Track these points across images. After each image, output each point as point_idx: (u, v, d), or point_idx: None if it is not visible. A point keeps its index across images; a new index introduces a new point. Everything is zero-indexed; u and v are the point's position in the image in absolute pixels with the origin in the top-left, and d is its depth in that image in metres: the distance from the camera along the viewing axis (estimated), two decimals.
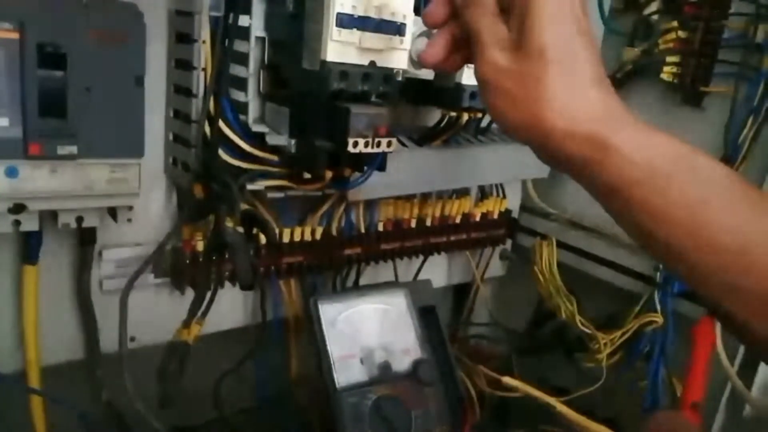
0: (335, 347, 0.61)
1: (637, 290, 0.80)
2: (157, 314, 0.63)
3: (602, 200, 0.35)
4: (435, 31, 0.40)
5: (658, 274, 0.76)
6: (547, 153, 0.35)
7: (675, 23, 0.76)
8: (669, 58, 0.77)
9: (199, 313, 0.54)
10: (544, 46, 0.33)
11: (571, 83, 0.34)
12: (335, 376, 0.60)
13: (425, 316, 0.68)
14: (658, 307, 0.75)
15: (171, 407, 0.56)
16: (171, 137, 0.59)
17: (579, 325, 0.76)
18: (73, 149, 0.46)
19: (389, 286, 0.70)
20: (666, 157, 0.33)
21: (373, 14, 0.50)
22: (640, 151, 0.33)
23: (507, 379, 0.69)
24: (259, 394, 0.74)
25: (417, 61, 0.60)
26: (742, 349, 0.72)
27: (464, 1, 0.37)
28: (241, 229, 0.54)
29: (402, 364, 0.64)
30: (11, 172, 0.45)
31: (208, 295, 0.55)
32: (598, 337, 0.75)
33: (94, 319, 0.59)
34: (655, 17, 0.79)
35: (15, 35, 0.42)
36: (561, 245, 0.85)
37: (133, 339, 0.60)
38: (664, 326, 0.74)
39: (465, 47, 0.38)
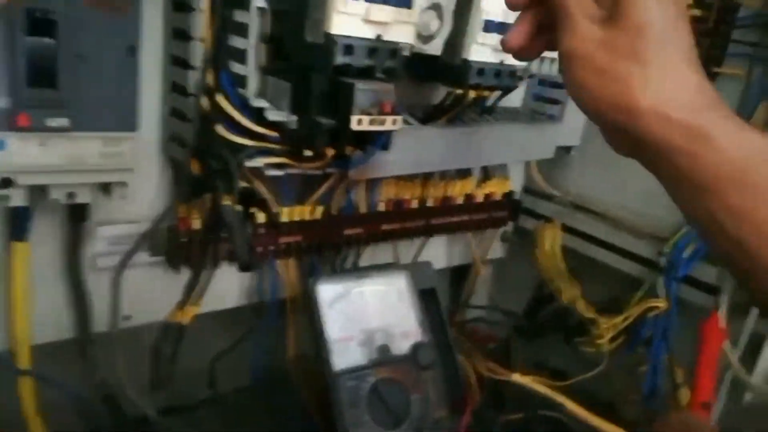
0: (333, 329, 0.60)
1: (640, 275, 0.79)
2: (151, 293, 0.61)
3: (682, 193, 0.33)
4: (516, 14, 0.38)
5: (663, 259, 0.75)
6: (629, 137, 0.33)
7: (690, 1, 0.74)
8: None
9: (194, 295, 0.53)
10: (644, 23, 0.32)
11: (671, 63, 0.32)
12: (333, 358, 0.59)
13: (425, 298, 0.67)
14: (662, 293, 0.74)
15: (164, 389, 0.54)
16: (167, 111, 0.57)
17: (581, 310, 0.75)
18: (64, 121, 0.44)
19: (389, 267, 0.69)
20: (762, 156, 0.30)
21: None
22: (735, 146, 0.30)
23: (516, 377, 0.69)
24: (254, 375, 0.73)
25: (425, 36, 0.58)
26: (745, 337, 0.71)
27: None
28: (239, 208, 0.52)
29: (401, 347, 0.63)
30: None
31: (204, 275, 0.53)
32: (600, 322, 0.74)
33: (87, 297, 0.58)
34: None
35: (3, 0, 0.40)
36: (564, 228, 0.84)
37: (127, 318, 0.59)
38: (667, 312, 0.73)
39: (547, 32, 0.37)
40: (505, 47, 0.38)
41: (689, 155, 0.31)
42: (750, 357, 0.72)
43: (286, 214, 0.65)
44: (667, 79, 0.31)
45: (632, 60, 0.32)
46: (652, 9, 0.32)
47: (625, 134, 0.33)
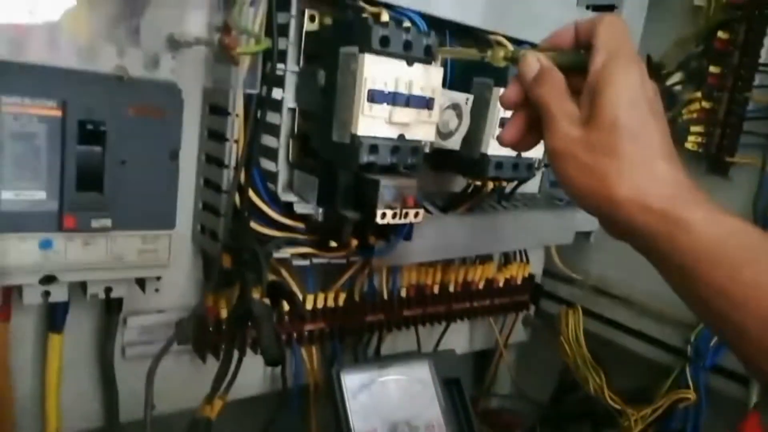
0: (358, 421, 0.60)
1: (668, 362, 0.77)
2: (177, 381, 0.62)
3: (668, 276, 0.35)
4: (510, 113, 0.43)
5: (689, 347, 0.74)
6: (615, 224, 0.36)
7: (698, 94, 0.77)
8: (693, 128, 0.78)
9: (223, 387, 0.53)
10: (616, 120, 0.35)
11: (643, 156, 0.35)
12: None
13: (449, 387, 0.66)
14: (690, 382, 0.72)
15: None
16: (200, 205, 0.60)
17: (608, 400, 0.73)
18: (107, 222, 0.46)
19: (413, 356, 0.69)
20: (738, 240, 0.33)
21: (403, 90, 0.51)
22: (712, 232, 0.33)
23: None
24: None
25: (445, 133, 0.61)
26: None
27: (536, 81, 0.39)
28: (267, 300, 0.54)
29: None
30: (45, 245, 0.45)
31: (232, 367, 0.54)
32: (628, 413, 0.72)
33: (116, 387, 0.58)
34: (678, 88, 0.79)
35: (58, 113, 0.44)
36: (586, 312, 0.83)
37: (153, 407, 0.59)
38: (696, 403, 0.71)
39: (537, 129, 0.40)
40: (500, 141, 0.43)
41: (668, 239, 0.34)
42: None
43: (310, 301, 0.66)
44: (640, 171, 0.34)
45: (608, 156, 0.35)
46: (621, 108, 0.35)
47: (610, 222, 0.36)
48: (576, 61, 0.39)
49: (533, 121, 0.41)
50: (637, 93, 0.35)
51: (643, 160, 0.34)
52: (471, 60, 0.63)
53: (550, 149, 0.38)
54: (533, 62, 0.40)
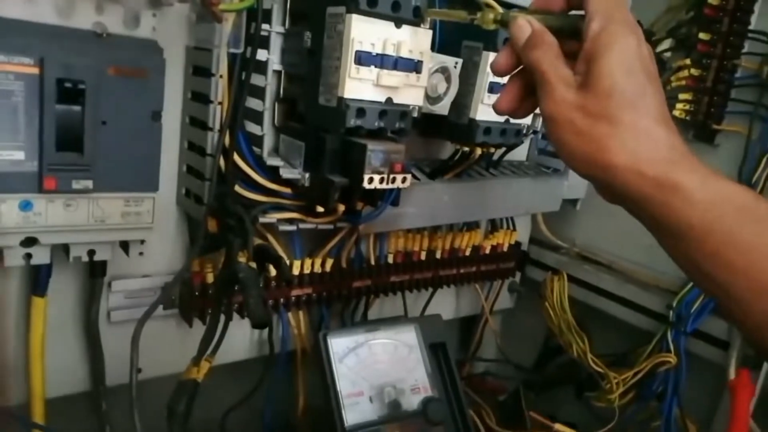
0: (344, 384, 0.60)
1: (649, 328, 0.79)
2: (163, 346, 0.62)
3: (662, 239, 0.36)
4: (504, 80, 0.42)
5: (671, 312, 0.75)
6: (610, 188, 0.36)
7: (687, 61, 0.76)
8: (681, 95, 0.77)
9: (209, 350, 0.53)
10: (612, 88, 0.34)
11: (640, 123, 0.34)
12: (344, 414, 0.59)
13: (435, 352, 0.67)
14: (671, 347, 0.74)
15: None
16: (184, 169, 0.59)
17: (591, 363, 0.75)
18: (89, 183, 0.45)
19: (399, 321, 0.69)
20: (732, 204, 0.33)
21: (391, 52, 0.50)
22: (706, 196, 0.33)
23: (558, 427, 0.68)
24: (266, 428, 0.72)
25: (433, 98, 0.60)
26: (756, 391, 0.70)
27: (529, 45, 0.38)
28: (253, 264, 0.54)
29: (412, 402, 0.63)
30: (25, 206, 0.44)
31: (219, 330, 0.54)
32: (610, 376, 0.74)
33: (101, 351, 0.58)
34: (667, 54, 0.79)
35: (35, 70, 0.42)
36: (571, 279, 0.84)
37: (139, 371, 0.59)
38: (677, 366, 0.73)
39: (533, 95, 0.39)
40: (496, 109, 0.42)
41: (663, 205, 0.34)
42: (762, 411, 0.71)
43: (297, 267, 0.66)
44: (637, 138, 0.34)
45: (605, 122, 0.35)
46: (619, 75, 0.35)
47: (606, 186, 0.36)
48: (568, 24, 0.39)
49: (528, 87, 0.40)
50: (635, 59, 0.35)
51: (640, 127, 0.34)
52: (460, 23, 0.62)
53: (546, 114, 0.37)
54: (525, 25, 0.39)
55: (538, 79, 0.37)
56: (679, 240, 0.34)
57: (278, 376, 0.70)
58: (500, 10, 0.41)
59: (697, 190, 0.33)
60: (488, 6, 0.42)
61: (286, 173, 0.56)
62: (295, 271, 0.66)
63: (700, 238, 0.33)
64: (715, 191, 0.33)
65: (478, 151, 0.66)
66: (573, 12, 0.39)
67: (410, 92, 0.53)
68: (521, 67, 0.40)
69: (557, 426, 0.68)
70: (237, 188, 0.55)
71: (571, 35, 0.38)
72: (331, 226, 0.65)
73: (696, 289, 0.73)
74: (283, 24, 0.54)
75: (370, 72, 0.49)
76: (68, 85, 0.43)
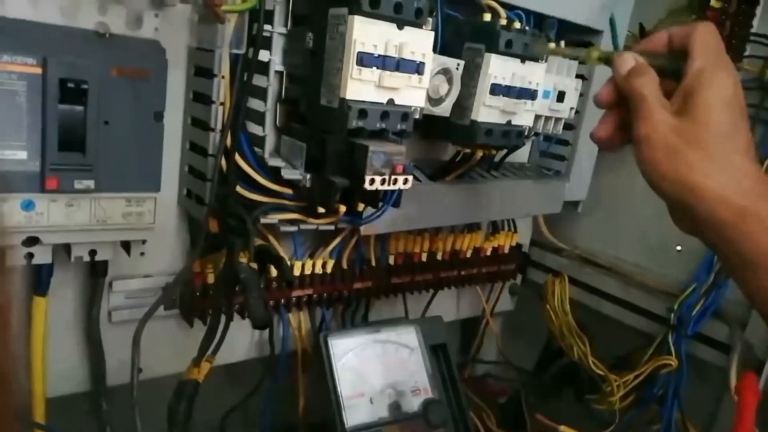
0: (345, 386, 0.60)
1: (650, 331, 0.79)
2: (164, 346, 0.62)
3: (737, 268, 0.38)
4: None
5: (673, 315, 0.75)
6: (692, 212, 0.38)
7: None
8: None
9: (210, 351, 0.53)
10: (710, 117, 0.38)
11: (731, 153, 0.37)
12: (344, 415, 0.59)
13: (436, 353, 0.67)
14: (672, 350, 0.74)
15: None
16: (186, 169, 0.59)
17: (592, 366, 0.74)
18: (91, 183, 0.45)
19: (400, 322, 0.69)
20: None
21: (393, 53, 0.50)
22: None
23: (564, 429, 0.68)
24: (266, 429, 0.72)
25: (435, 99, 0.60)
26: None
27: (632, 74, 0.42)
28: (254, 265, 0.54)
29: (412, 404, 0.63)
30: (27, 206, 0.44)
31: (219, 331, 0.54)
32: (611, 379, 0.73)
33: (102, 351, 0.58)
34: None
35: (38, 70, 0.42)
36: (572, 281, 0.84)
37: (140, 371, 0.60)
38: (678, 369, 0.73)
39: (626, 129, 0.43)
40: (593, 138, 0.46)
41: (743, 233, 0.36)
42: (762, 415, 0.71)
43: (298, 268, 0.66)
44: (727, 167, 0.37)
45: (698, 148, 0.37)
46: (717, 108, 0.38)
47: (686, 210, 0.38)
48: (669, 63, 0.42)
49: (623, 121, 0.43)
50: (732, 97, 0.38)
51: (731, 158, 0.37)
52: (464, 25, 0.62)
53: (642, 135, 0.39)
54: (629, 58, 0.42)
55: (637, 104, 0.40)
56: (752, 269, 0.36)
57: (279, 377, 0.70)
58: (603, 49, 0.47)
59: None
60: (592, 45, 0.47)
61: (287, 174, 0.56)
62: (296, 272, 0.66)
63: None
64: None
65: (480, 152, 0.66)
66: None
67: (412, 94, 0.53)
68: (620, 101, 0.43)
69: (562, 428, 0.68)
70: (238, 189, 0.55)
71: (671, 75, 0.41)
72: (332, 227, 0.65)
73: (697, 292, 0.73)
74: (285, 25, 0.54)
75: (372, 73, 0.49)
76: (71, 85, 0.43)
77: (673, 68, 0.41)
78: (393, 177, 0.53)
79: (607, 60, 0.45)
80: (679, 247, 0.78)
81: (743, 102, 0.39)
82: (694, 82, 0.39)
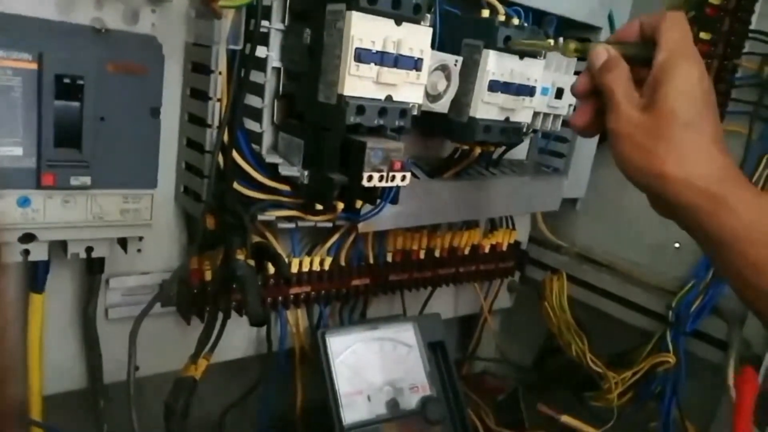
0: (343, 383, 0.60)
1: (649, 328, 0.79)
2: (161, 343, 0.62)
3: (708, 248, 0.40)
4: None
5: (671, 312, 0.75)
6: (663, 199, 0.40)
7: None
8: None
9: (207, 348, 0.53)
10: (675, 109, 0.39)
11: (695, 141, 0.39)
12: (342, 412, 0.59)
13: (434, 351, 0.67)
14: (670, 347, 0.74)
15: None
16: (183, 165, 0.59)
17: (590, 363, 0.74)
18: (87, 180, 0.45)
19: (398, 319, 0.69)
20: None
21: (391, 49, 0.50)
22: (752, 211, 0.37)
23: (565, 418, 0.68)
24: (263, 427, 0.72)
25: (433, 96, 0.60)
26: None
27: (603, 68, 0.43)
28: (251, 262, 0.53)
29: (410, 401, 0.63)
30: (23, 202, 0.44)
31: (217, 328, 0.54)
32: (609, 376, 0.73)
33: (99, 348, 0.58)
34: None
35: (33, 66, 0.42)
36: (571, 279, 0.84)
37: (137, 368, 0.59)
38: (676, 366, 0.73)
39: (602, 117, 0.44)
40: (571, 125, 0.48)
41: (712, 216, 0.38)
42: (761, 413, 0.71)
43: (296, 265, 0.66)
44: (690, 154, 0.38)
45: (663, 140, 0.39)
46: (680, 100, 0.39)
47: (659, 198, 0.40)
48: (641, 52, 0.43)
49: (600, 110, 0.45)
50: (696, 87, 0.39)
51: (693, 145, 0.38)
52: (462, 21, 0.62)
53: (611, 130, 0.42)
54: (602, 51, 0.44)
55: (608, 98, 0.42)
56: (725, 250, 0.38)
57: (276, 375, 0.70)
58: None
59: (744, 205, 0.37)
60: (569, 38, 0.48)
61: (285, 171, 0.56)
62: (294, 269, 0.66)
63: (745, 249, 0.37)
64: (761, 207, 0.37)
65: (478, 149, 0.66)
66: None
67: (410, 90, 0.53)
68: (595, 91, 0.45)
69: (564, 417, 0.68)
70: (236, 185, 0.55)
71: (642, 63, 0.42)
72: (330, 224, 0.64)
73: (695, 289, 0.73)
74: (283, 21, 0.54)
75: (370, 69, 0.49)
76: (67, 80, 0.43)
77: (644, 57, 0.42)
78: (391, 174, 0.53)
79: (583, 51, 0.46)
80: (677, 245, 0.78)
81: (709, 93, 0.40)
82: (658, 74, 0.40)
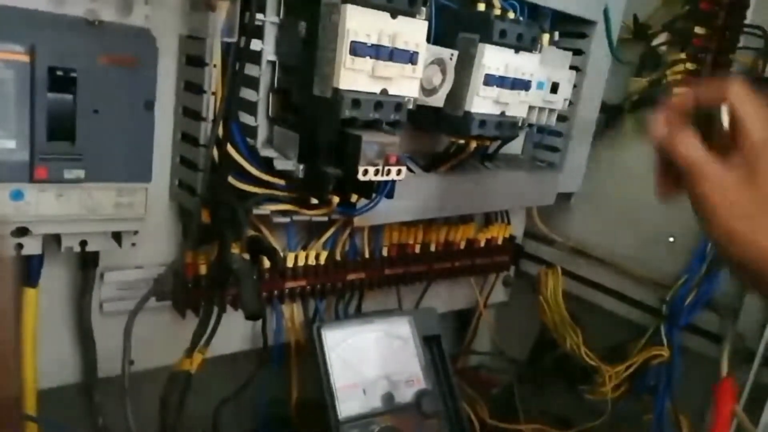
0: (338, 376, 0.60)
1: (643, 322, 0.79)
2: (156, 338, 0.61)
3: None
4: None
5: (665, 306, 0.75)
6: (762, 276, 0.37)
7: (683, 55, 0.76)
8: (677, 90, 0.77)
9: (202, 342, 0.53)
10: None
11: None
12: (338, 406, 0.59)
13: (429, 345, 0.67)
14: (665, 340, 0.74)
15: None
16: (177, 159, 0.58)
17: (584, 357, 0.75)
18: (80, 173, 0.45)
19: (393, 313, 0.69)
20: None
21: (386, 43, 0.50)
22: None
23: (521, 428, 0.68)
24: (259, 421, 0.72)
25: (429, 89, 0.60)
26: (748, 385, 0.71)
27: (669, 136, 0.40)
28: (246, 256, 0.53)
29: (405, 394, 0.63)
30: (16, 196, 0.44)
31: (212, 322, 0.54)
32: (603, 370, 0.74)
33: (93, 343, 0.58)
34: (663, 48, 0.79)
35: (26, 58, 0.42)
36: (566, 273, 0.84)
37: (132, 362, 0.59)
38: (670, 360, 0.73)
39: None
40: (659, 198, 0.44)
41: None
42: (754, 405, 0.71)
43: (291, 259, 0.66)
44: None
45: None
46: None
47: (759, 275, 0.37)
48: (701, 122, 0.40)
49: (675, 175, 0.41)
50: None
51: None
52: (456, 15, 0.62)
53: (702, 196, 0.38)
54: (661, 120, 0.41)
55: (686, 168, 0.39)
56: None
57: (272, 369, 0.70)
58: None
59: None
60: None
61: (280, 164, 0.56)
62: (289, 264, 0.66)
63: None
64: None
65: (473, 143, 0.66)
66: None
67: (405, 84, 0.53)
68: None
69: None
70: (230, 179, 0.55)
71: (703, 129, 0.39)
72: (325, 218, 0.64)
73: (689, 283, 0.74)
74: (278, 14, 0.54)
75: (365, 63, 0.49)
76: (60, 73, 0.43)
77: (704, 125, 0.40)
78: (386, 168, 0.53)
79: None
80: (671, 239, 0.78)
81: None
82: (759, 150, 0.37)
